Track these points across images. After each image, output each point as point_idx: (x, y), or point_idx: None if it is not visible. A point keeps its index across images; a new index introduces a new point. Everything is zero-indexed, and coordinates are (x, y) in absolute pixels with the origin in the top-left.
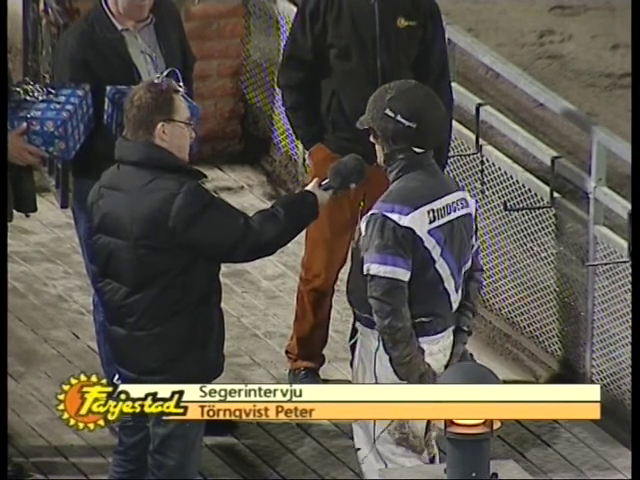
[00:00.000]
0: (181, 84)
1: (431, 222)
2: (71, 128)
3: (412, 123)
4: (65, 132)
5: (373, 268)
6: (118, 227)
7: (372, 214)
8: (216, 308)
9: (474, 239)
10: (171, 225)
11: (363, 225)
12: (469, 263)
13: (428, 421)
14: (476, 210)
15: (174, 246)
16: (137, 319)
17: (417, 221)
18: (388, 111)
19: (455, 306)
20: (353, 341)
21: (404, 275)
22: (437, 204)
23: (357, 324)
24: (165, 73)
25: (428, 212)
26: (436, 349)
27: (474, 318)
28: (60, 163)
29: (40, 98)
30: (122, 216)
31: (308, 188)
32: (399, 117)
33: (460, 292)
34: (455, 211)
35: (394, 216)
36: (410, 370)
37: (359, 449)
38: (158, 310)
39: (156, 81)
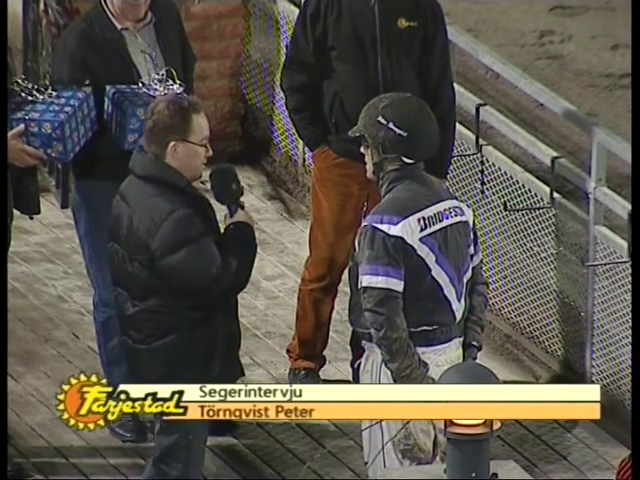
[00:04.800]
0: (181, 83)
1: (422, 230)
2: (69, 130)
3: (403, 132)
4: (63, 134)
5: (365, 280)
6: (121, 237)
7: (363, 226)
8: (222, 326)
9: (473, 249)
10: (153, 247)
11: (357, 240)
12: (469, 272)
13: (435, 437)
14: (474, 223)
15: (157, 268)
16: (138, 332)
17: (407, 230)
18: (380, 118)
19: (458, 315)
20: (358, 363)
21: (396, 285)
22: (428, 212)
23: (363, 342)
24: (162, 71)
25: (419, 220)
26: (442, 360)
27: (483, 333)
28: (60, 164)
29: (40, 98)
30: (124, 227)
31: (228, 222)
32: (391, 125)
33: (463, 301)
34: (448, 218)
35: (383, 226)
36: (411, 383)
37: (366, 463)
38: (156, 325)
39: (179, 97)
